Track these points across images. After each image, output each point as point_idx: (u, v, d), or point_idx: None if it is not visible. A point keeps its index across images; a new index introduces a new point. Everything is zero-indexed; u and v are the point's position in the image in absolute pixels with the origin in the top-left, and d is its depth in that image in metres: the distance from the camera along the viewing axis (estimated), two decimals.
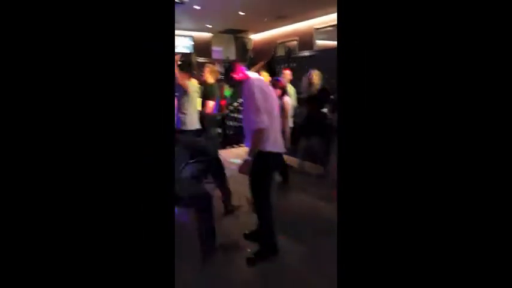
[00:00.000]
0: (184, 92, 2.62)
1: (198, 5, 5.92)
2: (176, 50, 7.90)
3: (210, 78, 3.02)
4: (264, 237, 1.96)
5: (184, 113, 2.69)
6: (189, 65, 2.87)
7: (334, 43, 7.00)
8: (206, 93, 2.86)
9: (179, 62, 2.71)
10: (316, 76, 3.41)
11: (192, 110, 2.73)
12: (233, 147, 4.98)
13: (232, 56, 9.74)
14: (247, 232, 2.20)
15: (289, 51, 6.51)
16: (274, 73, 6.27)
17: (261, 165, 1.77)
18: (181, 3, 5.33)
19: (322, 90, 3.38)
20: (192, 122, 2.73)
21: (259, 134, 1.71)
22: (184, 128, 2.68)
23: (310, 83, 3.38)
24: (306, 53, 6.58)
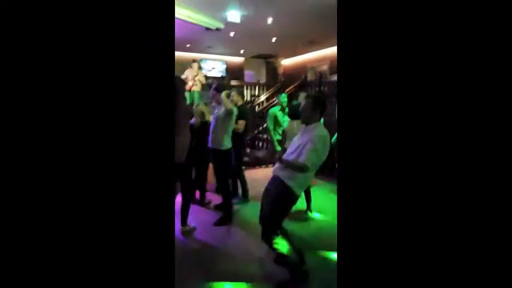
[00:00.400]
0: (228, 112, 2.71)
1: (233, 32, 6.21)
2: (210, 74, 8.31)
3: (240, 101, 3.28)
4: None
5: (223, 133, 2.74)
6: (222, 87, 3.02)
7: None
8: (239, 113, 2.97)
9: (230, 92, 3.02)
10: None
11: (230, 130, 2.80)
12: (260, 167, 4.98)
13: (263, 80, 9.98)
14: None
15: (321, 75, 6.56)
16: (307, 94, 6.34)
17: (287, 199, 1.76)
18: (218, 30, 5.62)
19: None
20: (228, 142, 2.80)
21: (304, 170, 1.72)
22: (220, 147, 2.73)
23: None
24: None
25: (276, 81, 8.90)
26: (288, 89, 6.76)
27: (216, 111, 2.78)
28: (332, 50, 8.09)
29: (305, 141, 1.69)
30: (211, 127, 2.74)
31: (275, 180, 1.78)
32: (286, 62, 9.87)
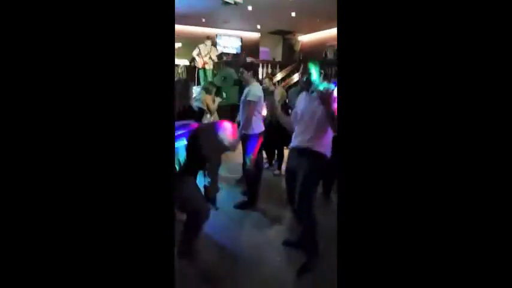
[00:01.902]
0: (271, 92, 2.62)
1: (251, 6, 5.94)
2: (225, 50, 8.08)
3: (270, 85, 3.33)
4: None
5: (261, 115, 2.61)
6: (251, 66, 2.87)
7: None
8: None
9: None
10: None
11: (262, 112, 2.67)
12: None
13: (279, 57, 9.68)
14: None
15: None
16: (326, 74, 6.09)
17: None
18: (235, 4, 5.37)
19: None
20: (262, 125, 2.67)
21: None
22: (258, 130, 2.58)
23: None
24: None
25: (292, 59, 8.60)
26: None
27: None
28: None
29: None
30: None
31: (303, 153, 1.78)
32: (304, 39, 9.49)
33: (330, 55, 7.45)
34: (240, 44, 8.95)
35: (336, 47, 7.96)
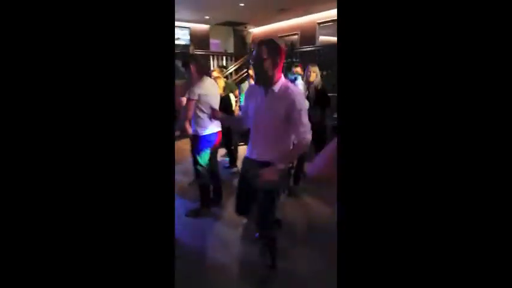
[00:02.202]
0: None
1: None
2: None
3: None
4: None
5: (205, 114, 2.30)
6: (195, 59, 2.49)
7: (336, 38, 6.77)
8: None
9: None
10: (313, 73, 2.97)
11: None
12: None
13: (231, 49, 9.45)
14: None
15: (292, 45, 6.26)
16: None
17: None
18: None
19: (322, 95, 2.98)
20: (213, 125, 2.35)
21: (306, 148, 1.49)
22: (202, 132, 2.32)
23: (308, 81, 2.98)
24: (310, 48, 6.33)
25: (245, 51, 8.43)
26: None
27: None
28: (303, 20, 7.76)
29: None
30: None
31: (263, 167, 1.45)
32: (256, 31, 9.38)
33: None
34: (189, 35, 8.54)
35: (285, 38, 7.98)
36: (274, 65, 1.43)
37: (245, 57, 7.24)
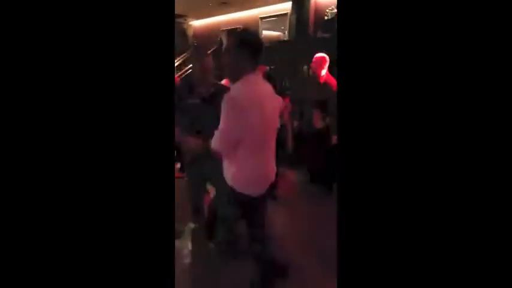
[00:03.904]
0: None
1: None
2: None
3: None
4: None
5: None
6: None
7: (279, 33, 6.84)
8: None
9: None
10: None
11: None
12: None
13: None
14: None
15: None
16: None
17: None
18: None
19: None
20: None
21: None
22: None
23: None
24: None
25: (186, 45, 8.06)
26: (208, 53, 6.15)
27: None
28: (245, 14, 7.68)
29: None
30: None
31: None
32: (197, 24, 9.04)
33: (225, 40, 7.26)
34: None
35: (227, 32, 7.83)
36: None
37: (188, 52, 6.91)
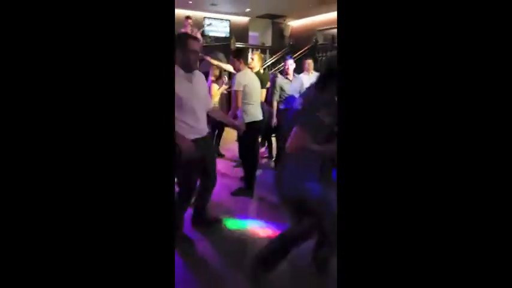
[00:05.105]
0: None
1: None
2: (212, 34, 7.82)
3: (258, 66, 3.09)
4: None
5: (250, 104, 2.54)
6: (241, 52, 2.78)
7: None
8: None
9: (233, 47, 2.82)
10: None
11: (255, 99, 2.58)
12: None
13: (269, 42, 9.46)
14: None
15: (333, 38, 6.13)
16: (316, 60, 5.95)
17: None
18: None
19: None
20: (257, 113, 2.60)
21: None
22: (248, 120, 2.51)
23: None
24: None
25: (282, 44, 8.41)
26: (298, 53, 6.37)
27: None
28: None
29: None
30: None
31: None
32: (295, 24, 9.28)
33: (320, 40, 7.30)
34: (229, 28, 8.67)
35: (324, 32, 7.82)
36: None
37: (283, 50, 7.23)
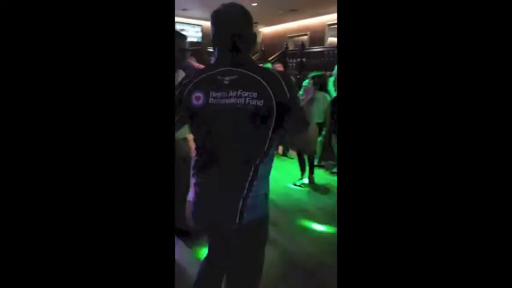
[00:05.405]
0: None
1: None
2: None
3: None
4: None
5: None
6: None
7: None
8: None
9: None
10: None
11: None
12: None
13: None
14: None
15: (303, 45, 6.36)
16: (286, 66, 6.13)
17: None
18: None
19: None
20: None
21: None
22: None
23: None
24: (319, 49, 6.43)
25: (255, 49, 8.55)
26: (270, 58, 6.53)
27: None
28: (313, 21, 7.86)
29: None
30: None
31: None
32: (266, 31, 9.51)
33: (291, 46, 7.55)
34: (201, 33, 8.70)
35: (294, 39, 8.10)
36: None
37: (255, 56, 7.37)
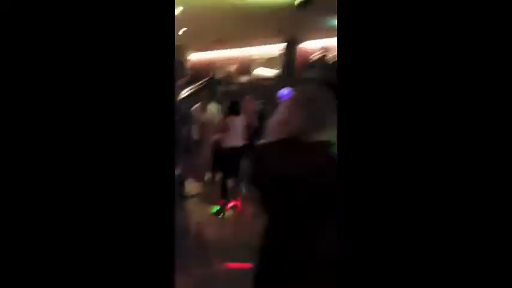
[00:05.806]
0: None
1: None
2: None
3: None
4: None
5: None
6: None
7: (272, 71, 7.34)
8: None
9: None
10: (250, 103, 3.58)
11: None
12: None
13: None
14: None
15: (229, 75, 6.55)
16: (215, 95, 6.18)
17: None
18: None
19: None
20: None
21: None
22: None
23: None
24: (246, 78, 6.70)
25: (181, 76, 8.42)
26: (193, 86, 6.49)
27: None
28: (241, 51, 8.19)
29: None
30: None
31: None
32: (194, 57, 9.53)
33: (218, 75, 7.70)
34: None
35: (223, 68, 8.30)
36: None
37: (182, 80, 7.24)
